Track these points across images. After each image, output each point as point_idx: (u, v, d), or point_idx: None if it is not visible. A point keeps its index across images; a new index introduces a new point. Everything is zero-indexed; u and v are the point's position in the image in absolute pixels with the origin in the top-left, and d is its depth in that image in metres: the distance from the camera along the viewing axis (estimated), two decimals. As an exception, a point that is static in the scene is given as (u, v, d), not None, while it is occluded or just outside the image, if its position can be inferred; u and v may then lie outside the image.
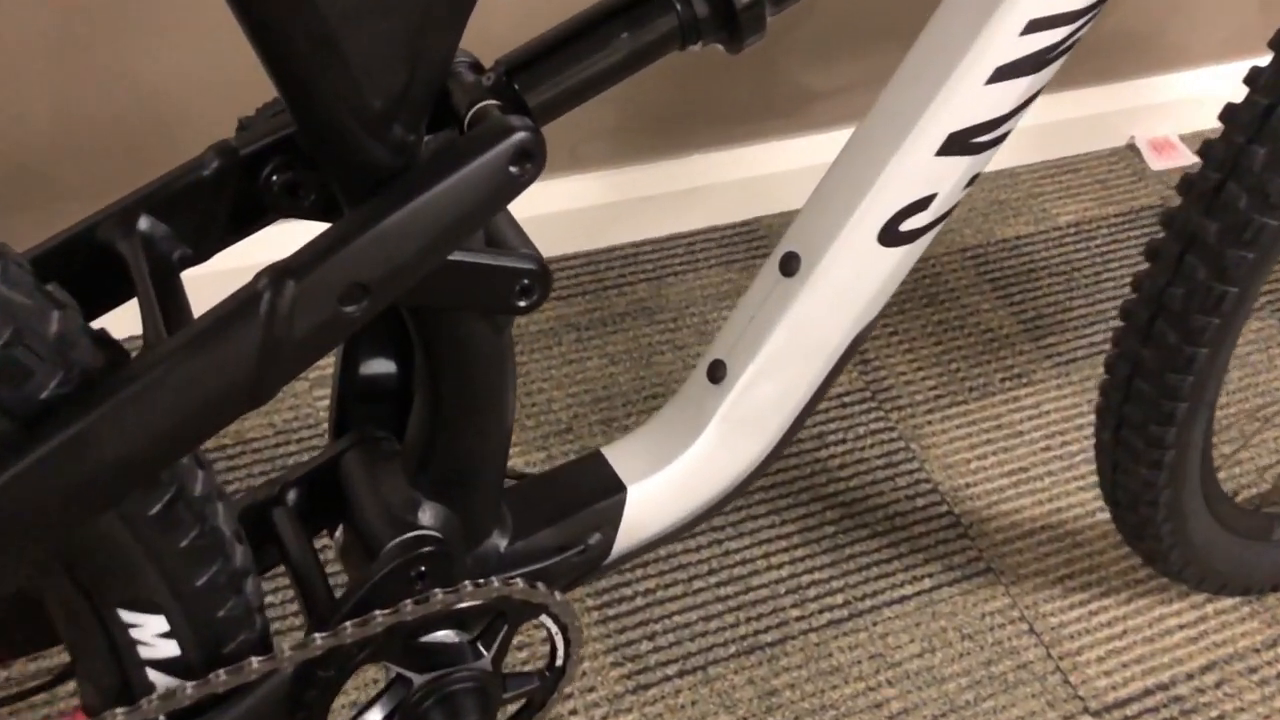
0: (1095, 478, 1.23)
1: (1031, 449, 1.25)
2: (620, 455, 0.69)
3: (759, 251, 1.40)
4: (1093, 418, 1.28)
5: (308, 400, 1.19)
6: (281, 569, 0.65)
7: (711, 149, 1.38)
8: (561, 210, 1.32)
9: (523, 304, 0.53)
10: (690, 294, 1.35)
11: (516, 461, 1.17)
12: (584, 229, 1.34)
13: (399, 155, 0.48)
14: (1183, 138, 1.65)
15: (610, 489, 0.68)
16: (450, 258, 0.50)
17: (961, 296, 1.40)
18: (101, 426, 0.45)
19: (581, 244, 1.35)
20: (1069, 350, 1.36)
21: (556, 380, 1.24)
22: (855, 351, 0.68)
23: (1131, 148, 1.63)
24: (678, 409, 0.69)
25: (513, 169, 0.49)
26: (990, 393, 1.30)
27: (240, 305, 0.46)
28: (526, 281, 0.53)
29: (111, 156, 1.09)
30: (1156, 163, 1.61)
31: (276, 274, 0.46)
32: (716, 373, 0.67)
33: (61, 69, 1.03)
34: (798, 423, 0.69)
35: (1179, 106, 1.64)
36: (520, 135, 0.48)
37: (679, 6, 0.52)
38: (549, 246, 1.33)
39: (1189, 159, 1.62)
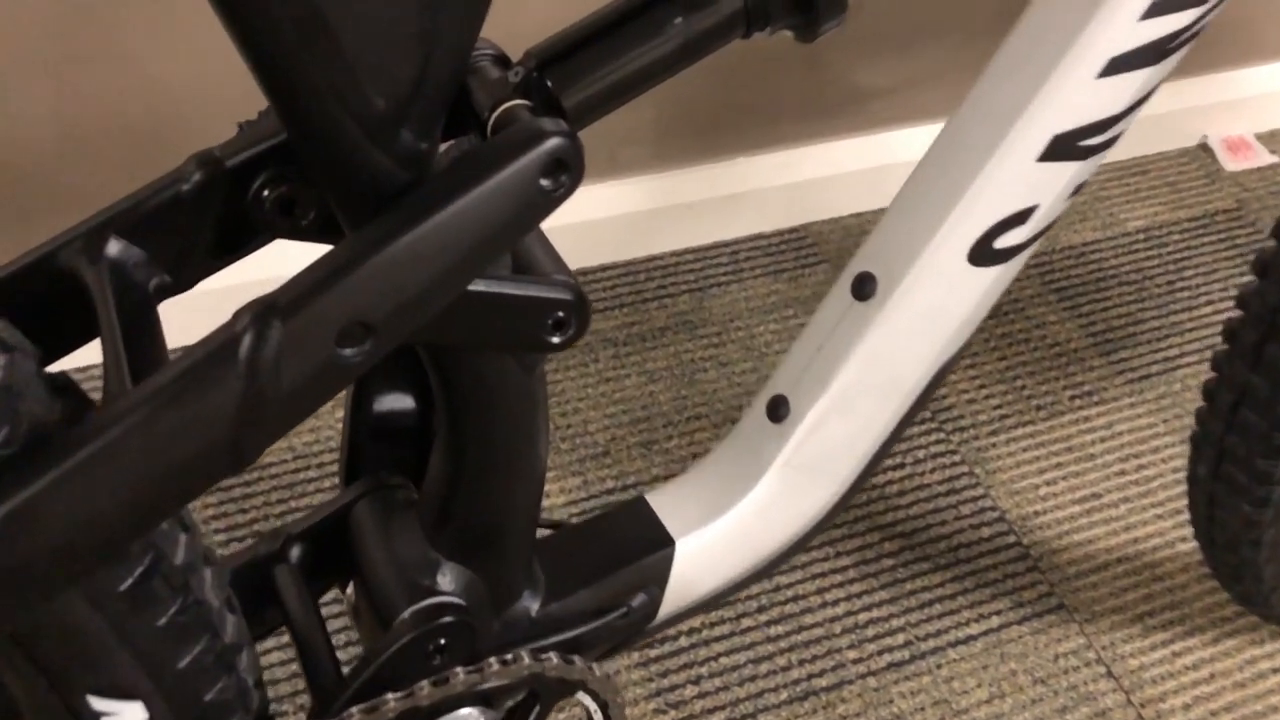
0: (1174, 504, 1.14)
1: (1104, 473, 1.16)
2: (667, 503, 0.60)
3: (808, 261, 1.32)
4: (1169, 438, 1.19)
5: (329, 421, 1.12)
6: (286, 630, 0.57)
7: (757, 151, 1.29)
8: (596, 218, 1.24)
9: (556, 340, 0.45)
10: (735, 306, 1.26)
11: (550, 489, 1.09)
12: (621, 237, 1.26)
13: (408, 167, 0.40)
14: (1259, 137, 1.55)
15: (656, 542, 0.59)
16: (470, 288, 0.42)
17: (1026, 308, 1.31)
18: (50, 496, 0.38)
19: (618, 253, 1.27)
20: (1142, 366, 1.26)
21: (592, 400, 1.16)
22: (939, 385, 0.60)
23: (1204, 148, 1.53)
24: (733, 451, 0.61)
25: (545, 181, 0.41)
26: (1059, 412, 1.21)
27: (216, 351, 0.38)
28: (561, 314, 0.45)
29: (120, 157, 1.02)
30: (1231, 163, 1.51)
31: (260, 312, 0.38)
32: (778, 410, 0.59)
33: (63, 63, 0.96)
34: (871, 467, 0.60)
35: (1255, 104, 1.53)
36: (554, 141, 0.40)
37: (741, -20, 0.43)
38: (583, 256, 1.25)
39: (1266, 159, 1.52)
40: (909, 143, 1.31)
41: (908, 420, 0.60)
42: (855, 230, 1.36)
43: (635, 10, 0.44)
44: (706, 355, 1.22)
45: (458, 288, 0.42)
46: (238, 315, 0.38)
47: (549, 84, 0.43)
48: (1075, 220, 1.41)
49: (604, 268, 1.27)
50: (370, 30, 0.37)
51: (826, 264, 1.32)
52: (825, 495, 0.60)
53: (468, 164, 0.41)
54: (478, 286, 0.42)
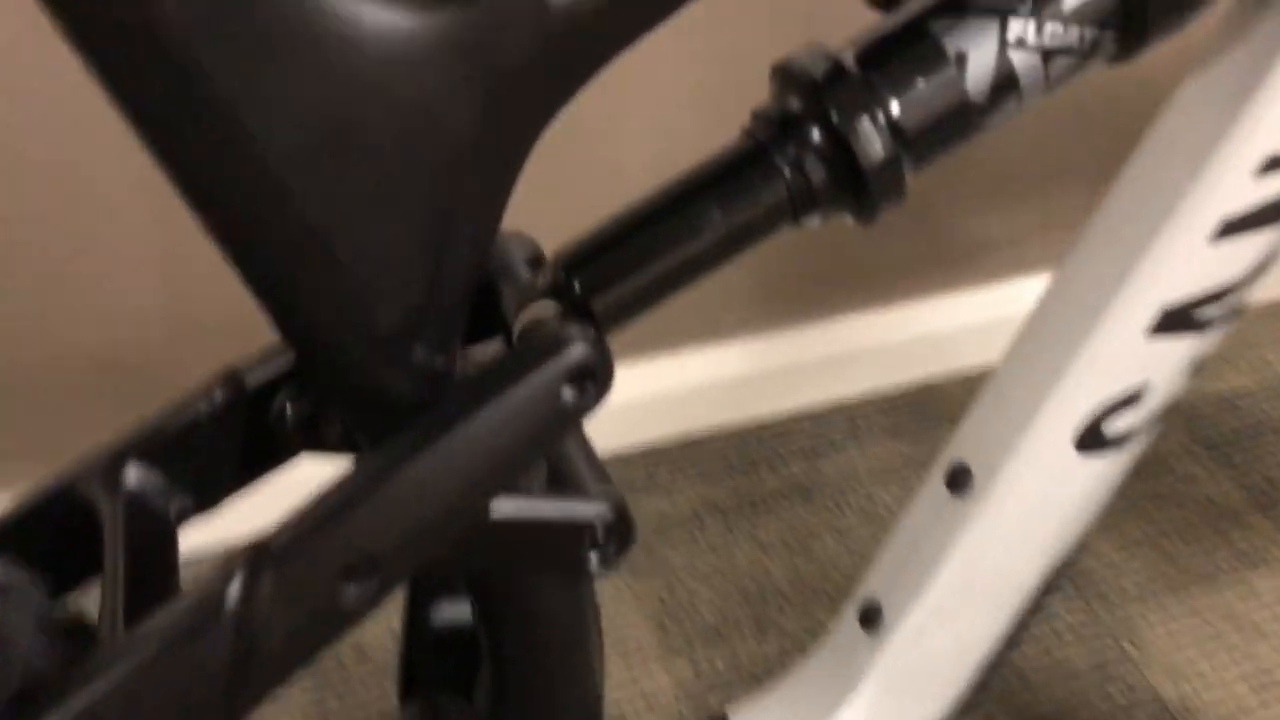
0: (1362, 685, 1.01)
1: (1276, 649, 1.04)
2: (751, 720, 0.54)
3: (931, 421, 1.25)
4: (1349, 607, 1.07)
5: (430, 601, 1.09)
6: None
7: (870, 307, 1.25)
8: (702, 382, 1.21)
9: (595, 562, 0.40)
10: (852, 470, 1.20)
11: (656, 673, 1.03)
12: (729, 401, 1.22)
13: (421, 384, 0.37)
14: None
15: (739, 767, 0.53)
16: (491, 510, 0.38)
17: (1172, 463, 1.21)
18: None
19: (726, 418, 1.23)
20: (1310, 524, 1.15)
21: (700, 573, 1.10)
22: (1057, 585, 0.53)
23: (1362, 280, 1.42)
24: (823, 662, 0.55)
25: (567, 394, 0.37)
26: (1217, 578, 1.10)
27: (202, 602, 0.35)
28: (599, 534, 0.40)
29: (229, 350, 1.03)
30: (1395, 296, 1.39)
31: (252, 560, 0.35)
32: (870, 617, 0.53)
33: (168, 259, 0.98)
34: (981, 680, 0.53)
35: None
36: (577, 350, 0.37)
37: (787, 172, 0.40)
38: (689, 422, 1.21)
39: None
40: (1033, 293, 1.25)
41: (1022, 626, 0.53)
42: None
43: (668, 205, 0.41)
44: (822, 523, 1.15)
45: (475, 513, 0.38)
46: (228, 560, 0.35)
47: (577, 286, 0.40)
48: (1222, 365, 1.31)
49: (711, 434, 1.23)
50: (372, 245, 0.34)
51: (951, 423, 1.25)
52: (928, 712, 0.53)
53: (485, 378, 0.37)
54: (500, 508, 0.38)
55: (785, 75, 0.40)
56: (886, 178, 0.39)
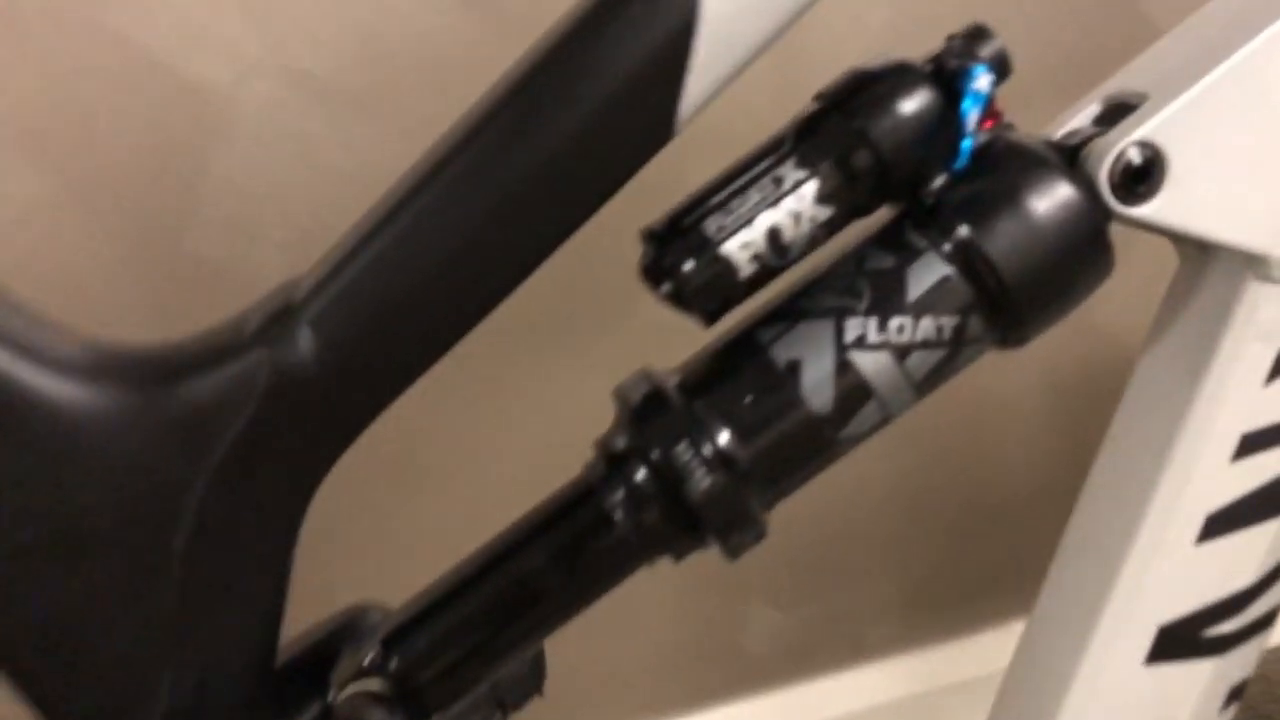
0: None
1: None
2: None
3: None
4: None
5: None
6: None
7: (1026, 615, 1.12)
8: (851, 711, 1.09)
9: None
10: (1032, 807, 1.04)
11: None
12: (881, 731, 1.10)
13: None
14: None
15: None
16: None
17: None
18: None
19: (880, 750, 1.11)
20: None
21: None
22: None
23: None
24: None
25: None
26: None
27: None
28: None
29: None
30: None
31: None
32: None
33: None
34: None
35: None
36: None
37: (618, 514, 0.35)
38: (841, 758, 1.10)
39: None
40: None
41: None
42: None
43: (493, 564, 0.36)
44: None
45: None
46: None
47: (394, 663, 0.36)
48: None
49: (867, 769, 1.10)
50: (121, 644, 0.32)
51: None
52: None
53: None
54: None
55: (616, 406, 0.36)
56: (723, 513, 0.34)
